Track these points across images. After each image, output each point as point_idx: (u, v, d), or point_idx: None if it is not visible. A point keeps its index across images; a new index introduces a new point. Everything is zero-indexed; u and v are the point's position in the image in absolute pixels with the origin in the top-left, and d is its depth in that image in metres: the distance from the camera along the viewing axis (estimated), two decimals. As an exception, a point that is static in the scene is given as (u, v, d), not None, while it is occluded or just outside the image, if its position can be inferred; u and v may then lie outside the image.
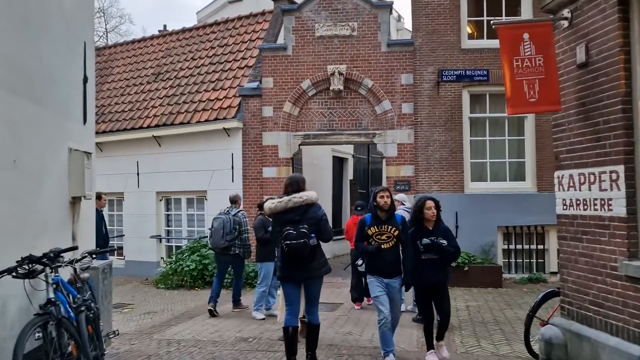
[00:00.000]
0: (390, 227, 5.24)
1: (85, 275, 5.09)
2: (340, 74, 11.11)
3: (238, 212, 8.28)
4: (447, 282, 5.64)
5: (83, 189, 5.63)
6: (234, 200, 8.50)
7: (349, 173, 15.93)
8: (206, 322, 7.66)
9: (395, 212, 5.52)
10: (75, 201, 5.69)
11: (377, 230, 5.26)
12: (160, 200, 12.71)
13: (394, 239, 5.25)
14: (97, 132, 13.49)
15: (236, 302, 8.54)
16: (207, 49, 13.63)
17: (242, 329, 7.17)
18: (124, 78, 14.57)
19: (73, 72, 5.97)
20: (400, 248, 5.33)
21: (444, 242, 5.44)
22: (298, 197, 4.83)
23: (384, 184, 15.70)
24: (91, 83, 6.41)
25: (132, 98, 13.66)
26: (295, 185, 5.03)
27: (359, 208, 9.81)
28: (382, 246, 5.20)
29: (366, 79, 11.21)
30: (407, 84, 11.16)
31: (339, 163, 15.77)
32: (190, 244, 11.58)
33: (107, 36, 28.43)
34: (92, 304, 5.01)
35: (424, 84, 11.24)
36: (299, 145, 11.47)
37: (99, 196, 9.12)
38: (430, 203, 5.59)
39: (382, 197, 5.31)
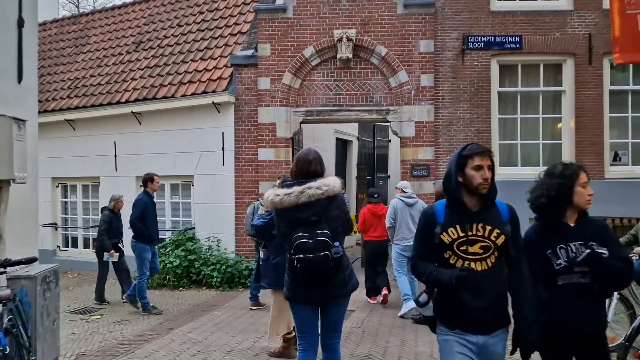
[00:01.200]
0: (489, 227, 2.72)
1: (3, 292, 3.56)
2: (349, 39, 9.51)
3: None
4: (605, 329, 3.03)
5: (10, 168, 4.07)
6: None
7: (354, 157, 14.38)
8: (188, 337, 6.16)
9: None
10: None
11: (462, 235, 2.69)
12: (141, 186, 11.09)
13: (497, 252, 2.70)
14: (70, 108, 11.93)
15: (253, 298, 7.68)
16: (195, 14, 11.96)
17: (234, 347, 5.66)
18: (102, 48, 12.89)
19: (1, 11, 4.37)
20: (508, 269, 2.76)
21: (604, 251, 2.81)
22: (316, 188, 3.25)
23: (397, 169, 14.11)
24: (31, 28, 4.80)
25: (110, 70, 12.01)
26: (311, 166, 3.43)
27: (375, 195, 8.35)
28: (474, 267, 2.65)
29: (379, 46, 9.62)
30: (427, 52, 9.58)
31: (342, 146, 14.23)
32: (175, 236, 10.04)
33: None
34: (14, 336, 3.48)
35: (447, 52, 9.66)
36: (300, 123, 9.90)
37: (150, 178, 7.83)
38: (584, 176, 2.99)
39: (479, 165, 2.76)
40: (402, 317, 6.90)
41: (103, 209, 9.14)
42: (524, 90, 9.79)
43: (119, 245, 8.65)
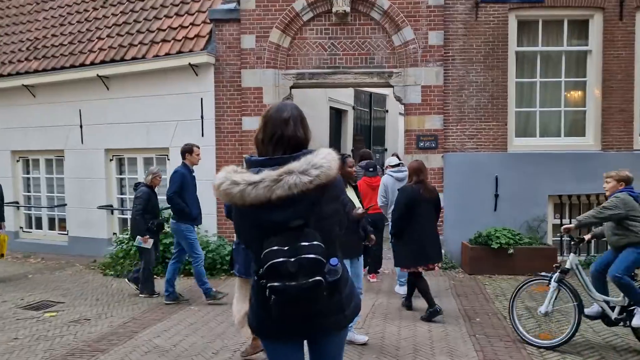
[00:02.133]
0: None
1: None
2: (347, -10, 8.23)
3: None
4: None
5: None
6: None
7: (349, 128, 13.19)
8: (153, 345, 5.05)
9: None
10: None
11: None
12: (111, 160, 9.88)
13: None
14: (28, 72, 10.52)
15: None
16: (170, -35, 10.53)
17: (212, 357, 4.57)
18: (65, 4, 11.43)
19: None
20: None
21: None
22: (300, 173, 2.00)
23: (395, 141, 13.04)
24: None
25: (74, 29, 10.60)
26: (288, 129, 2.15)
27: (371, 169, 7.29)
28: None
29: (381, -1, 8.37)
30: (436, 6, 8.33)
31: (337, 116, 13.02)
32: (148, 217, 8.82)
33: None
34: None
35: (458, 5, 8.41)
36: (291, 87, 8.66)
37: (190, 149, 6.56)
38: None
39: None
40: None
41: (137, 184, 7.50)
42: (545, 50, 8.60)
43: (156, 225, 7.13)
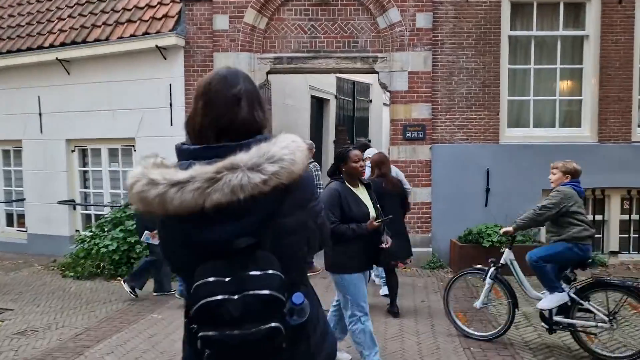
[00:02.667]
0: None
1: None
2: (328, -33, 7.58)
3: (309, 163, 5.51)
4: None
5: None
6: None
7: (331, 118, 12.56)
8: (105, 364, 4.40)
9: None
10: None
11: None
12: (73, 151, 9.13)
13: None
14: (-19, 55, 9.72)
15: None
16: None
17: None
18: (24, -18, 10.56)
19: None
20: None
21: None
22: (249, 170, 1.36)
23: (379, 133, 12.45)
24: None
25: (32, 9, 9.75)
26: (231, 111, 1.49)
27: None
28: None
29: (365, -23, 7.73)
30: (424, -15, 7.73)
31: (318, 105, 12.37)
32: (113, 213, 8.13)
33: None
34: None
35: (448, -15, 7.83)
36: (267, 73, 8.00)
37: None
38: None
39: None
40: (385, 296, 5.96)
41: None
42: (540, 35, 8.05)
43: None
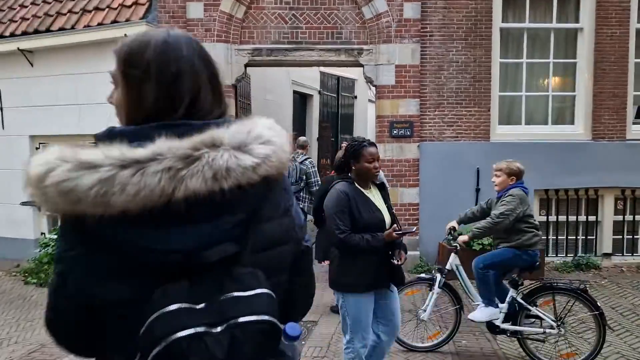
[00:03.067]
0: None
1: None
2: (310, -47, 7.11)
3: (306, 159, 6.73)
4: None
5: None
6: (302, 146, 6.97)
7: (315, 114, 12.10)
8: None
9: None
10: None
11: None
12: (37, 148, 8.52)
13: None
14: (-62, 46, 9.05)
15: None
16: None
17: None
18: (-14, -32, 9.88)
19: None
20: None
21: None
22: (233, 151, 0.97)
23: (364, 130, 12.04)
24: None
25: (-6, -5, 9.11)
26: (177, 82, 1.06)
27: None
28: None
29: (350, -36, 7.27)
30: (413, -27, 7.30)
31: (301, 101, 11.91)
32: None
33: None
34: None
35: (438, -26, 7.41)
36: (246, 66, 7.50)
37: None
38: None
39: None
40: None
41: None
42: (532, 28, 7.69)
43: None
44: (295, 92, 11.11)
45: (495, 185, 4.46)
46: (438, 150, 7.50)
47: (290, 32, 7.40)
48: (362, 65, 7.48)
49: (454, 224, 4.62)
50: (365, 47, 7.39)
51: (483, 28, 7.42)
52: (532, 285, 4.34)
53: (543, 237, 7.68)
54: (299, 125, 11.58)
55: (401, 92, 7.36)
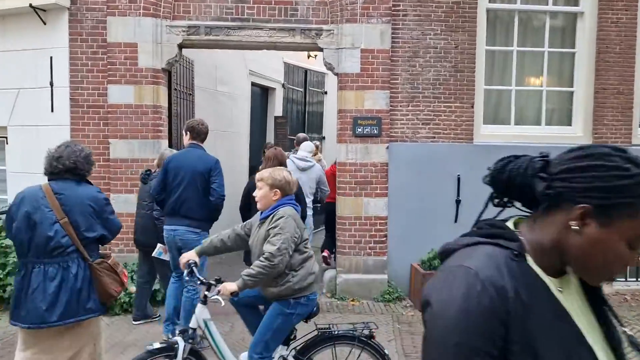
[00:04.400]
0: None
1: None
2: None
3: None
4: None
5: None
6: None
7: (277, 110, 10.75)
8: None
9: None
10: None
11: None
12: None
13: None
14: None
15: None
16: None
17: None
18: None
19: None
20: None
21: None
22: None
23: (334, 121, 10.82)
24: None
25: None
26: None
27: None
28: None
29: None
30: (383, -61, 6.04)
31: (262, 95, 10.57)
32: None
33: None
34: None
35: (413, -60, 6.16)
36: (180, 46, 6.16)
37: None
38: None
39: None
40: None
41: (148, 173, 5.23)
42: (524, 10, 6.49)
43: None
44: (254, 84, 9.78)
45: (257, 201, 3.27)
46: (411, 153, 6.26)
47: (235, 6, 6.09)
48: (321, 49, 6.19)
49: (192, 256, 3.30)
50: (325, 27, 6.12)
51: (467, 8, 6.19)
52: (307, 338, 3.36)
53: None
54: (259, 122, 10.25)
55: (367, 82, 6.10)
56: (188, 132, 4.75)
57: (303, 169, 6.20)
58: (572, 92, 6.61)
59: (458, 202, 6.32)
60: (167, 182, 4.53)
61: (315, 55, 11.42)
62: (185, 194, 4.49)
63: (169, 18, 6.05)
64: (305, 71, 11.64)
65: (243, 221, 5.38)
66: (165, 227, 4.64)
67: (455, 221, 6.33)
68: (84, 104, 6.10)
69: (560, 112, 6.70)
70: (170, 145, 6.40)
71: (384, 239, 6.21)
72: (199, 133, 4.71)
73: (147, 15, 5.95)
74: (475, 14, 6.23)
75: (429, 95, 6.25)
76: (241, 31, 6.10)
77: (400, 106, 6.23)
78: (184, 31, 6.07)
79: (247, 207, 4.75)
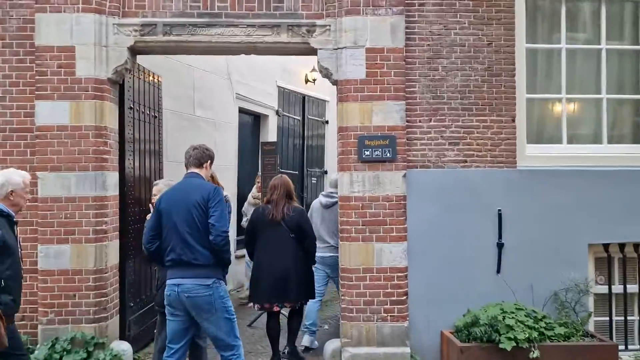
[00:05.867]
0: None
1: None
2: None
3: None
4: None
5: None
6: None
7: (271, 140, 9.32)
8: None
9: None
10: None
11: None
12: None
13: None
14: None
15: None
16: None
17: None
18: None
19: None
20: None
21: None
22: None
23: (333, 142, 9.31)
24: None
25: None
26: None
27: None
28: None
29: None
30: None
31: (254, 124, 9.20)
32: None
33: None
34: None
35: None
36: (131, 50, 4.77)
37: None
38: None
39: None
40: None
41: None
42: (574, -3, 5.11)
43: None
44: (242, 110, 8.40)
45: None
46: (436, 183, 4.76)
47: (203, -1, 4.74)
48: (314, 50, 4.78)
49: None
50: (318, 22, 4.73)
51: (500, -5, 4.81)
52: None
53: (604, 318, 4.95)
54: (249, 154, 8.80)
55: (376, 91, 4.65)
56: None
57: (326, 206, 5.46)
58: (638, 100, 5.14)
59: (500, 245, 4.76)
60: (162, 225, 3.59)
61: (314, 80, 10.14)
62: (182, 235, 3.49)
63: (117, 15, 4.69)
64: (303, 97, 10.31)
65: (251, 258, 5.02)
66: (168, 281, 3.57)
67: (498, 271, 4.76)
68: (6, 127, 4.67)
69: (625, 125, 5.21)
70: (122, 180, 4.94)
71: (404, 297, 4.63)
72: (193, 158, 3.76)
73: (88, 11, 4.58)
74: (512, 2, 4.84)
75: (457, 107, 4.79)
76: (210, 29, 4.71)
77: (420, 121, 4.76)
78: (136, 31, 4.69)
79: (254, 241, 4.76)
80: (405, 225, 4.66)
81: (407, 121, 4.72)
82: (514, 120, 4.84)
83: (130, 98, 5.12)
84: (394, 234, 4.62)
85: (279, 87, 9.36)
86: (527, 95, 4.97)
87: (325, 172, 10.81)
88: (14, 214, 3.39)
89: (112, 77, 4.68)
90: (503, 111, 4.82)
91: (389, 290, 4.60)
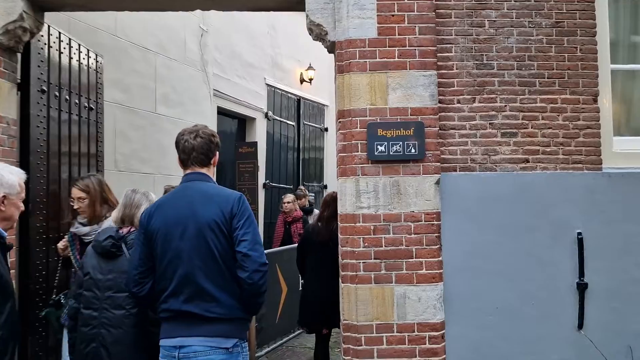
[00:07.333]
0: None
1: None
2: None
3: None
4: None
5: None
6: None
7: (260, 148, 7.77)
8: None
9: None
10: None
11: None
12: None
13: None
14: None
15: None
16: None
17: None
18: None
19: None
20: None
21: None
22: None
23: (333, 152, 7.79)
24: None
25: None
26: None
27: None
28: None
29: None
30: None
31: (239, 127, 7.71)
32: None
33: None
34: None
35: None
36: (34, 5, 3.26)
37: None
38: None
39: None
40: None
41: (114, 237, 3.52)
42: None
43: None
44: (221, 110, 6.89)
45: None
46: (485, 192, 3.20)
47: None
48: (301, 2, 3.26)
49: None
50: (307, -42, 3.23)
51: None
52: None
53: None
54: (230, 165, 7.27)
55: (393, 57, 3.12)
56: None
57: None
58: None
59: (582, 287, 3.17)
60: (153, 254, 2.36)
61: (311, 79, 8.69)
62: (190, 271, 2.27)
63: (11, -50, 3.20)
64: (298, 100, 8.83)
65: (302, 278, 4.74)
66: (162, 342, 2.35)
67: (580, 327, 3.16)
68: None
69: None
70: (27, 189, 3.39)
71: (441, 351, 3.04)
72: (196, 152, 2.40)
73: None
74: None
75: (512, 81, 3.25)
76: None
77: (459, 101, 3.22)
78: (38, -26, 3.20)
79: (303, 260, 4.49)
80: (440, 259, 3.08)
81: (440, 101, 3.18)
82: (596, 101, 3.29)
83: (41, 77, 3.61)
84: (424, 271, 3.03)
85: (268, 85, 7.89)
86: (612, 66, 3.43)
87: (325, 187, 9.28)
88: (5, 234, 2.14)
89: (3, 42, 3.17)
90: (580, 87, 3.28)
91: (418, 358, 3.01)
